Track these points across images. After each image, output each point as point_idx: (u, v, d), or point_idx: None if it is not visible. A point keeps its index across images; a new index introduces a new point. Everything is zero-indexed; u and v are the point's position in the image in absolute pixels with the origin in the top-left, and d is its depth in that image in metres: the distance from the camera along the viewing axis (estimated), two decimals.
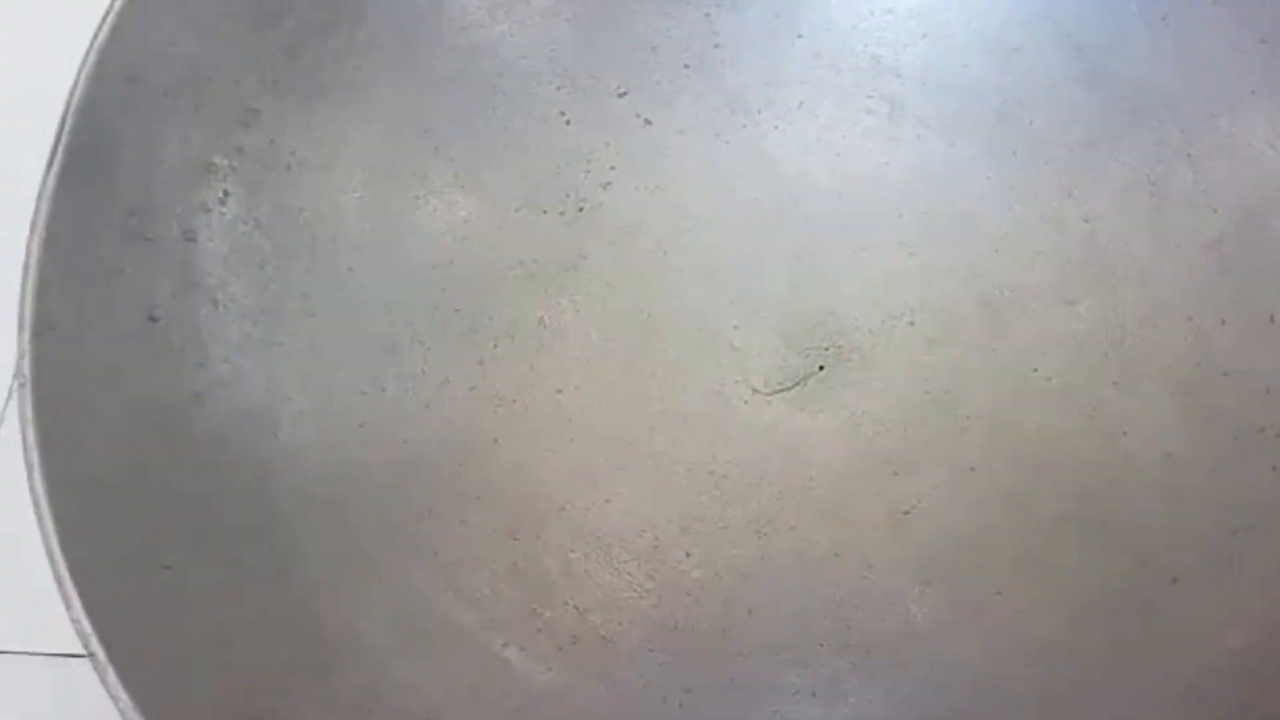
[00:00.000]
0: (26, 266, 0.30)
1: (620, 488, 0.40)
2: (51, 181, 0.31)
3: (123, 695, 0.27)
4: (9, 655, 0.46)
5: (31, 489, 0.29)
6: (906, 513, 0.39)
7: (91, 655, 0.28)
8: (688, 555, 0.39)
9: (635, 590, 0.38)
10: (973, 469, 0.39)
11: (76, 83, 0.32)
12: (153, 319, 0.34)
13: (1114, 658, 0.35)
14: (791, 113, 0.43)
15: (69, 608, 0.28)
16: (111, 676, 0.27)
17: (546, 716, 0.35)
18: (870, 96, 0.42)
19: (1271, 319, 0.37)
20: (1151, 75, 0.39)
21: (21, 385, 0.29)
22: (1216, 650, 0.33)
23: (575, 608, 0.37)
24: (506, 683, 0.35)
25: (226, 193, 0.36)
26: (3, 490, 0.46)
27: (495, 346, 0.40)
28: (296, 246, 0.38)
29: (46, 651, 0.47)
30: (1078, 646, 0.35)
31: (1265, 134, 0.38)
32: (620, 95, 0.42)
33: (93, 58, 0.32)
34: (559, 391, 0.41)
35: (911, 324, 0.41)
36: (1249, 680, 0.33)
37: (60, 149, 0.32)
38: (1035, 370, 0.40)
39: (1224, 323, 0.38)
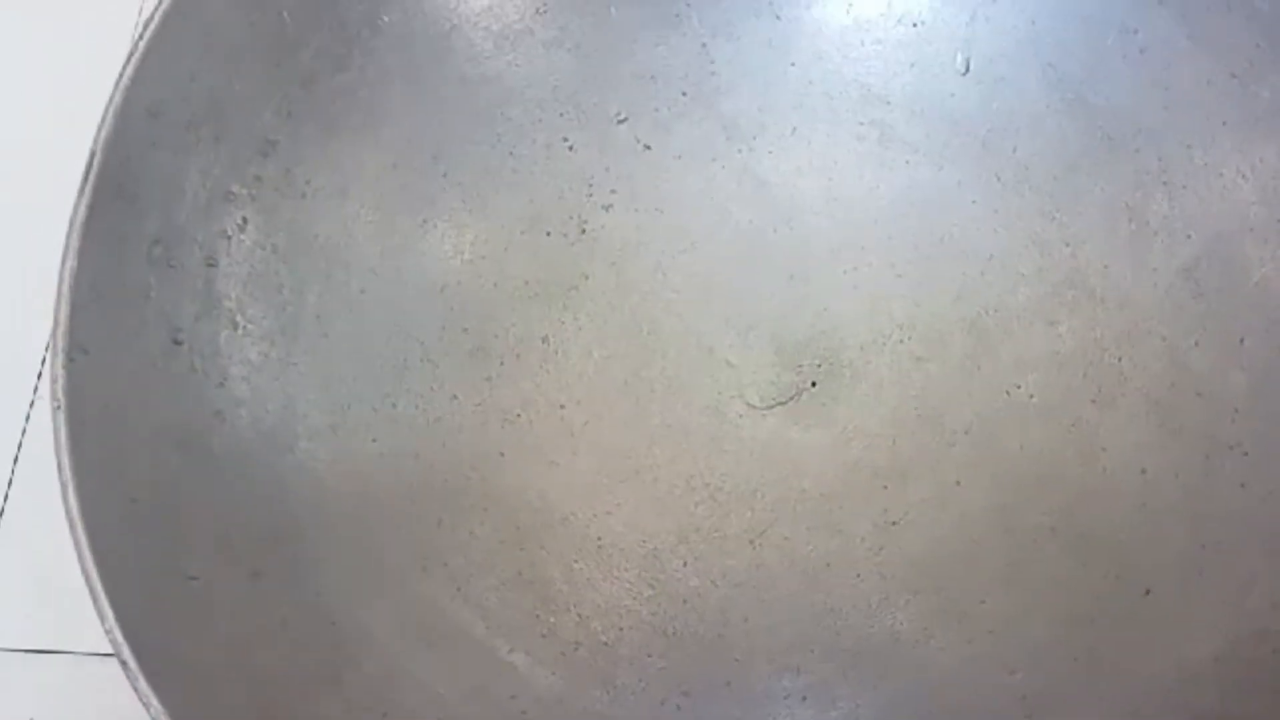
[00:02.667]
0: (59, 294, 0.32)
1: (621, 499, 0.41)
2: (81, 213, 0.33)
3: (154, 702, 0.29)
4: (46, 655, 0.48)
5: (66, 508, 0.31)
6: (895, 524, 0.41)
7: (124, 664, 0.29)
8: (685, 564, 0.41)
9: (635, 598, 0.40)
10: (958, 483, 0.41)
11: (104, 119, 0.34)
12: (176, 341, 0.36)
13: (1091, 665, 0.36)
14: (785, 138, 0.45)
15: (103, 620, 0.30)
16: (143, 684, 0.29)
17: (550, 717, 0.37)
18: (861, 123, 0.44)
19: (1242, 341, 0.39)
20: (1130, 106, 0.41)
21: (56, 408, 0.31)
22: (1187, 660, 0.35)
23: (578, 614, 0.39)
24: (513, 686, 0.37)
25: (245, 220, 0.38)
26: (36, 493, 0.48)
27: (501, 364, 0.42)
28: (311, 270, 0.40)
29: (82, 651, 0.49)
30: (1057, 654, 0.37)
31: (1237, 164, 0.39)
32: (620, 122, 0.44)
33: (119, 95, 0.34)
34: (562, 407, 0.42)
35: (900, 342, 0.43)
36: (1217, 689, 0.34)
37: (89, 181, 0.33)
38: (1018, 388, 0.42)
39: (1197, 344, 0.39)
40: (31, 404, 0.51)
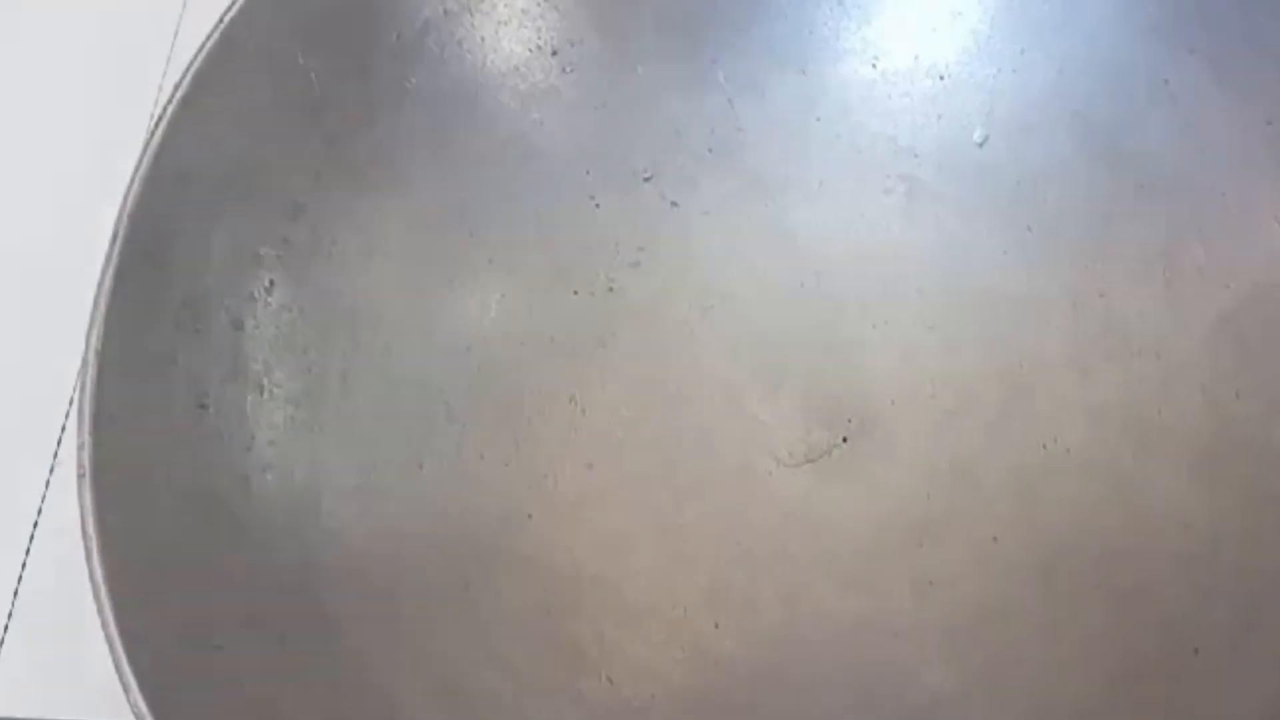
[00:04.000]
0: (85, 361, 0.32)
1: (650, 559, 0.41)
2: (109, 281, 0.33)
3: None
4: None
5: (91, 576, 0.30)
6: (931, 583, 0.40)
7: None
8: (716, 626, 0.40)
9: (665, 661, 0.39)
10: (995, 539, 0.40)
11: (131, 184, 0.34)
12: (202, 406, 0.36)
13: None
14: (812, 193, 0.44)
15: (127, 692, 0.29)
16: None
17: None
18: (888, 176, 0.44)
19: None
20: (1161, 153, 0.41)
21: (81, 476, 0.31)
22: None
23: (608, 679, 0.38)
24: None
25: (272, 282, 0.38)
26: (54, 564, 0.47)
27: (529, 424, 0.42)
28: (337, 330, 0.40)
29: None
30: (1100, 714, 0.36)
31: (1273, 210, 0.39)
32: (646, 179, 0.44)
33: (147, 160, 0.34)
34: (590, 466, 0.42)
35: (932, 396, 0.42)
36: None
37: (117, 247, 0.33)
38: (1055, 440, 0.41)
39: (1238, 395, 0.39)
40: (49, 477, 0.51)
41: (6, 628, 0.47)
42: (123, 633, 0.29)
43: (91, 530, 0.30)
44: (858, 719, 0.38)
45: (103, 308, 0.33)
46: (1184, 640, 0.36)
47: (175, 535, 0.33)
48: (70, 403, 0.49)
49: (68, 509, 0.32)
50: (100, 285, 0.33)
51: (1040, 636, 0.38)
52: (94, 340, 0.32)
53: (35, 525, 0.48)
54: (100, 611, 0.30)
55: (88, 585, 0.31)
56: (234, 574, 0.34)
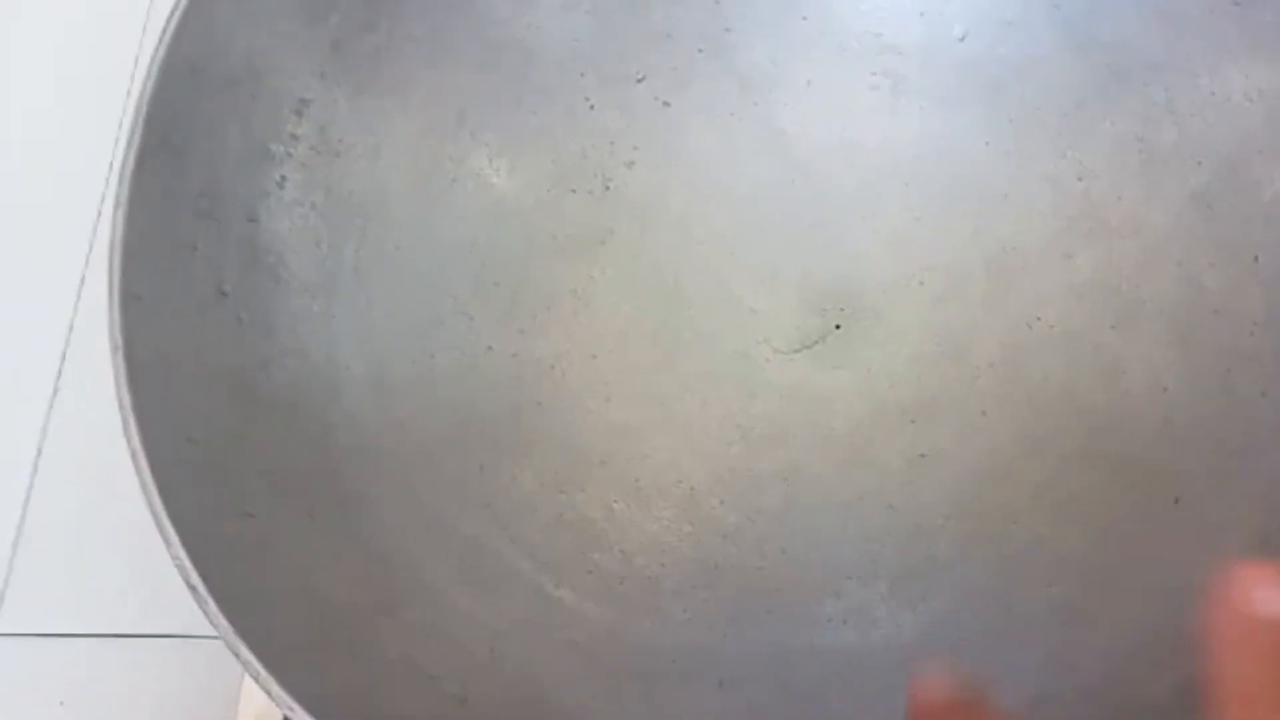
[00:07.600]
0: (113, 241, 0.33)
1: (656, 443, 0.42)
2: (131, 161, 0.34)
3: (223, 622, 0.30)
4: (72, 639, 0.49)
5: (128, 442, 0.31)
6: (924, 456, 0.42)
7: (192, 589, 0.30)
8: (721, 502, 0.41)
9: (675, 535, 0.41)
10: (984, 413, 0.42)
11: (150, 72, 0.35)
12: (223, 293, 0.37)
13: (1126, 571, 0.37)
14: (800, 90, 0.46)
15: (169, 546, 0.30)
16: (212, 607, 0.30)
17: (601, 646, 0.37)
18: (873, 73, 0.45)
19: (1256, 259, 0.40)
20: (1135, 40, 0.42)
21: (115, 350, 0.32)
22: (1217, 558, 0.36)
23: (620, 551, 0.40)
24: (562, 618, 0.38)
25: (284, 177, 0.39)
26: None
27: (534, 317, 0.43)
28: (347, 227, 0.41)
29: (108, 633, 0.49)
30: (1092, 565, 0.38)
31: (1243, 89, 0.41)
32: (639, 80, 0.45)
33: (163, 49, 0.35)
34: (594, 356, 0.43)
35: (920, 283, 0.44)
36: None
37: (137, 132, 0.34)
38: (1039, 319, 0.43)
39: (1212, 265, 0.40)
40: (55, 392, 0.52)
41: None
42: (161, 492, 0.31)
43: (127, 400, 0.32)
44: (859, 582, 0.40)
45: (126, 189, 0.34)
46: (1165, 493, 0.38)
47: (204, 411, 0.34)
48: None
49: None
50: (123, 167, 0.34)
51: (1030, 500, 0.40)
52: (120, 220, 0.33)
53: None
54: (139, 472, 0.31)
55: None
56: (261, 451, 0.36)
